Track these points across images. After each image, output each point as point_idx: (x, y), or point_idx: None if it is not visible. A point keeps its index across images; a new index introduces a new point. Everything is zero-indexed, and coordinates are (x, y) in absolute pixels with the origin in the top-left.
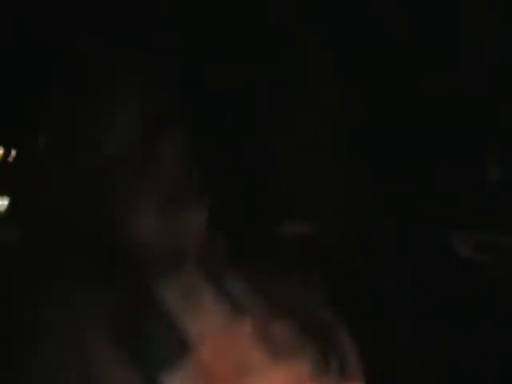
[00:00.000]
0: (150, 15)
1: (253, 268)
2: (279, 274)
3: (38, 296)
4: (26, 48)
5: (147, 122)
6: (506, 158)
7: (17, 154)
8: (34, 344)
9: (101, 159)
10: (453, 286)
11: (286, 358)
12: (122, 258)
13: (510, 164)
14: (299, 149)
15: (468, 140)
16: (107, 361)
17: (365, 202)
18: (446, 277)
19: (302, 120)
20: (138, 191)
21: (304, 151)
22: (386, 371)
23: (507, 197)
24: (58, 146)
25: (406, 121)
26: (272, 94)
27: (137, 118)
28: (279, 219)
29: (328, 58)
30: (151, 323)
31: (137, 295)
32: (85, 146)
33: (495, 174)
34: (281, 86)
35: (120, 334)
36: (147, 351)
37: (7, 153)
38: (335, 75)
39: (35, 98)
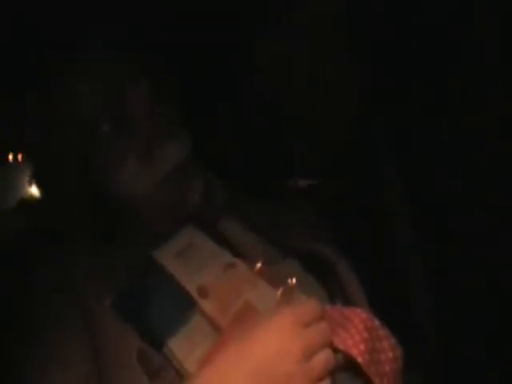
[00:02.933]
0: None
1: (251, 206)
2: (278, 210)
3: (39, 260)
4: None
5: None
6: None
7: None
8: (36, 306)
9: (77, 123)
10: None
11: (291, 294)
12: (116, 218)
13: None
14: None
15: None
16: (111, 326)
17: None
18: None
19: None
20: (114, 145)
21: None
22: (392, 305)
23: None
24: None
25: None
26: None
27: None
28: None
29: None
30: (150, 287)
31: (134, 258)
32: (59, 113)
33: None
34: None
35: (122, 298)
36: (149, 315)
37: None
38: None
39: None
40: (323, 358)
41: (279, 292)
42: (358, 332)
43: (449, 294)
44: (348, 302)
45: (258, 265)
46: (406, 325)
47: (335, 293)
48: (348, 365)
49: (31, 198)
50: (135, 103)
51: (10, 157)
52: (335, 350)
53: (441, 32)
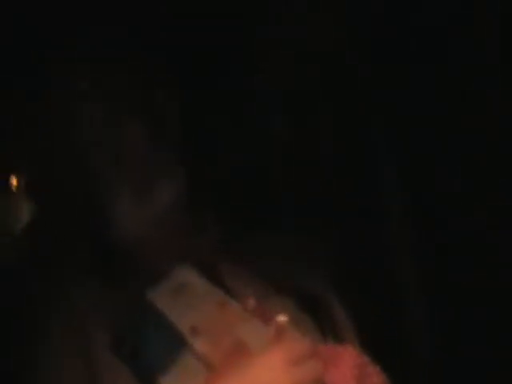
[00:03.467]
0: None
1: (246, 241)
2: (271, 249)
3: (41, 290)
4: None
5: (110, 110)
6: None
7: None
8: (35, 344)
9: (74, 153)
10: None
11: (284, 333)
12: (114, 254)
13: None
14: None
15: None
16: (107, 365)
17: None
18: None
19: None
20: (110, 180)
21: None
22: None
23: None
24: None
25: None
26: None
27: (100, 106)
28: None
29: None
30: (144, 326)
31: (130, 297)
32: (56, 141)
33: None
34: None
35: (118, 337)
36: (143, 354)
37: None
38: None
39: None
40: None
41: (271, 329)
42: (348, 369)
43: (448, 294)
44: (340, 340)
45: (251, 302)
46: (403, 324)
47: (327, 329)
48: None
49: (34, 227)
50: (134, 139)
51: (14, 182)
52: None
53: (441, 32)
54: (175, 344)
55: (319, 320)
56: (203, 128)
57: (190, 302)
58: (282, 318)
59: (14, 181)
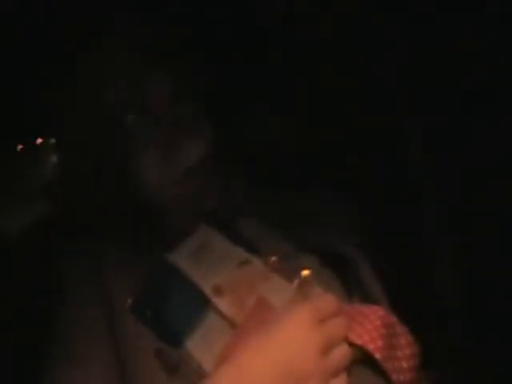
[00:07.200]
0: None
1: (272, 202)
2: (298, 205)
3: (66, 248)
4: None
5: (136, 69)
6: None
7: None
8: (61, 299)
9: (102, 113)
10: None
11: (307, 286)
12: (139, 213)
13: None
14: None
15: None
16: (131, 329)
17: None
18: None
19: None
20: (137, 139)
21: None
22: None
23: None
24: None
25: None
26: None
27: (126, 66)
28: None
29: None
30: (166, 288)
31: (152, 258)
32: (83, 102)
33: None
34: None
35: (141, 300)
36: (166, 316)
37: None
38: None
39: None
40: (340, 353)
41: (294, 285)
42: (375, 328)
43: (479, 255)
44: (366, 298)
45: (272, 259)
46: (431, 285)
47: (353, 289)
48: (365, 360)
49: (58, 183)
50: (160, 98)
51: (39, 140)
52: (352, 346)
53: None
54: (199, 304)
55: (345, 278)
56: (232, 88)
57: (212, 262)
58: (305, 273)
59: (41, 141)
